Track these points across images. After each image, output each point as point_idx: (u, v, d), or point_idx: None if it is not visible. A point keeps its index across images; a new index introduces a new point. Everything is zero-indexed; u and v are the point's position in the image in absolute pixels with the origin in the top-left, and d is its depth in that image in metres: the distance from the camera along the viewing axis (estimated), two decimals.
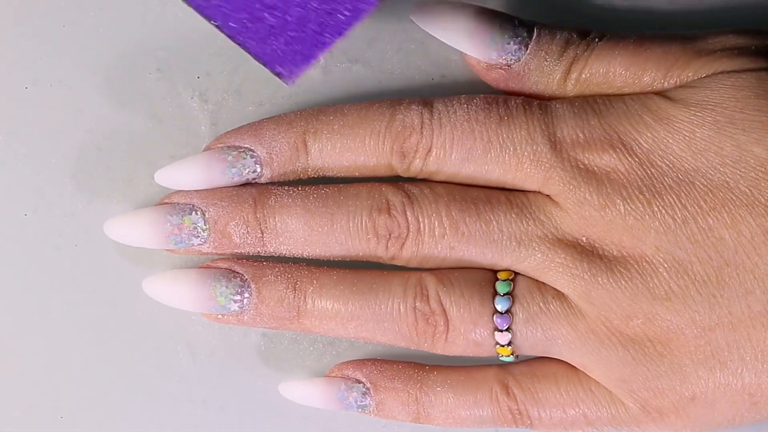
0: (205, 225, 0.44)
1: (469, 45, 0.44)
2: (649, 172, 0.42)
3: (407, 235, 0.43)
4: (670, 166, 0.42)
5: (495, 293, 0.44)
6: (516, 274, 0.44)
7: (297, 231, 0.44)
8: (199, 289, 0.44)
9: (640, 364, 0.43)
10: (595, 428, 0.44)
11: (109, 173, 0.46)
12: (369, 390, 0.45)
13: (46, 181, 0.46)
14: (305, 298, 0.44)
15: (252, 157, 0.44)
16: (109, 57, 0.46)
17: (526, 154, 0.43)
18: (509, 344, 0.44)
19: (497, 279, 0.44)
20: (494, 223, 0.43)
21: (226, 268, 0.44)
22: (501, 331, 0.43)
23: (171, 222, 0.44)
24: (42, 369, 0.46)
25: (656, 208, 0.42)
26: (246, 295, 0.44)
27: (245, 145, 0.44)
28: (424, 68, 0.46)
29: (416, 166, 0.44)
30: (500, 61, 0.44)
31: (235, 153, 0.44)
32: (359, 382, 0.45)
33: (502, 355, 0.44)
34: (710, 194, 0.42)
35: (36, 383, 0.46)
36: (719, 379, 0.42)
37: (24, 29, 0.46)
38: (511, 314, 0.43)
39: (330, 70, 0.46)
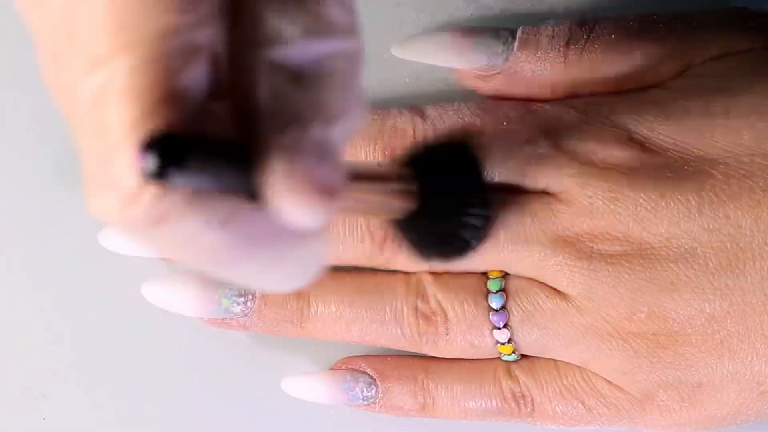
0: None
1: (457, 58, 0.44)
2: (662, 163, 0.42)
3: None
4: (686, 158, 0.42)
5: (488, 292, 0.43)
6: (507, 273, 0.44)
7: None
8: (201, 291, 0.44)
9: (642, 357, 0.42)
10: (596, 418, 0.43)
11: None
12: (375, 380, 0.44)
13: (43, 184, 0.46)
14: (309, 301, 0.44)
15: None
16: None
17: (528, 156, 0.43)
18: (510, 342, 0.43)
19: (488, 278, 0.43)
20: None
21: None
22: (499, 328, 0.43)
23: None
24: (40, 371, 0.45)
25: (669, 198, 0.42)
26: (249, 297, 0.44)
27: None
28: (400, 71, 0.46)
29: None
30: (491, 64, 0.44)
31: None
32: (364, 372, 0.45)
33: (504, 354, 0.44)
34: (728, 183, 0.41)
35: (34, 385, 0.46)
36: (728, 367, 0.42)
37: (22, 30, 0.45)
38: (507, 311, 0.43)
39: None
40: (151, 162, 0.28)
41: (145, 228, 0.29)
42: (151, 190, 0.28)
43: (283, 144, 0.29)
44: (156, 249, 0.30)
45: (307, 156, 0.29)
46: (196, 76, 0.29)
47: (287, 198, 0.28)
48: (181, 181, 0.28)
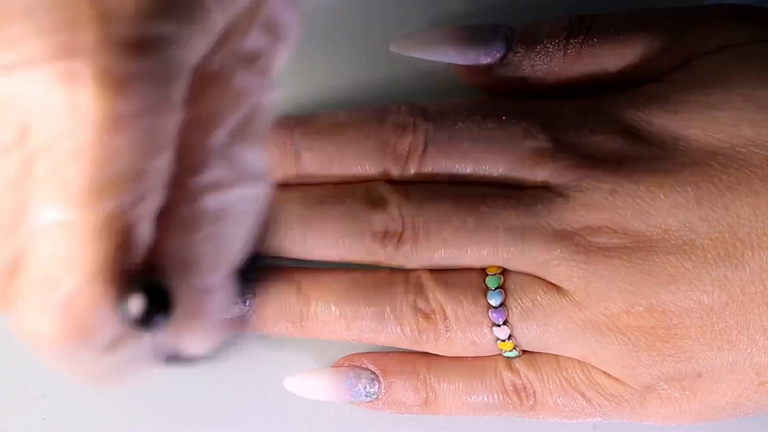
0: None
1: (457, 54, 0.44)
2: (661, 155, 0.42)
3: (402, 232, 0.43)
4: (684, 149, 0.42)
5: (487, 289, 0.43)
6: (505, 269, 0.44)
7: (293, 229, 0.44)
8: None
9: (641, 351, 0.42)
10: (597, 410, 0.43)
11: None
12: (377, 376, 0.44)
13: None
14: (309, 300, 0.44)
15: None
16: None
17: (526, 151, 0.43)
18: (510, 338, 0.43)
19: (487, 275, 0.44)
20: (489, 217, 0.43)
21: None
22: (498, 326, 0.43)
23: None
24: (40, 371, 0.45)
25: (668, 190, 0.42)
26: (248, 297, 0.44)
27: None
28: (400, 71, 0.46)
29: (411, 169, 0.44)
30: (490, 60, 0.44)
31: None
32: (367, 369, 0.45)
33: (505, 351, 0.44)
34: (726, 173, 0.42)
35: (34, 385, 0.45)
36: (727, 358, 0.42)
37: None
38: (506, 308, 0.43)
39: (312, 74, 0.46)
40: (136, 307, 0.29)
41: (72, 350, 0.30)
42: (119, 328, 0.29)
43: (185, 287, 0.30)
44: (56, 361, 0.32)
45: (202, 299, 0.31)
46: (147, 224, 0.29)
47: (187, 333, 0.31)
48: (156, 327, 0.29)
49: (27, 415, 0.45)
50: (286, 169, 0.44)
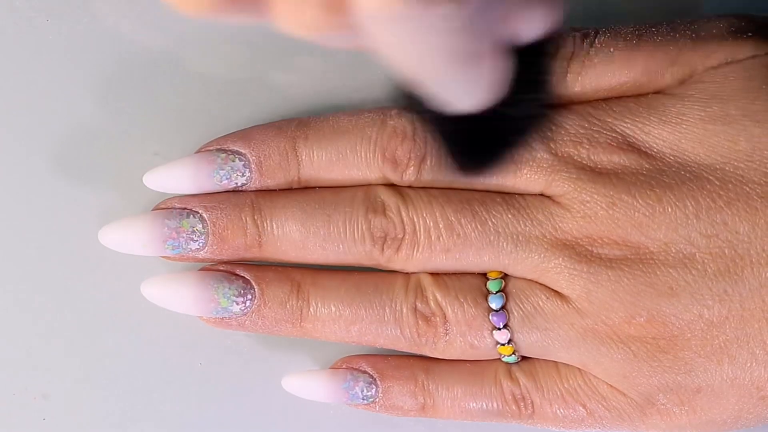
0: (203, 228, 0.43)
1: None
2: (659, 168, 0.42)
3: (403, 237, 0.43)
4: (683, 163, 0.42)
5: (488, 292, 0.43)
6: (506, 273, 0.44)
7: (294, 233, 0.44)
8: (200, 290, 0.44)
9: (642, 361, 0.42)
10: (597, 422, 0.44)
11: (106, 178, 0.46)
12: (375, 379, 0.45)
13: (42, 182, 0.46)
14: (308, 301, 0.44)
15: (240, 160, 0.44)
16: (104, 60, 0.46)
17: (524, 160, 0.42)
18: (510, 343, 0.43)
19: (488, 279, 0.44)
20: (490, 223, 0.43)
21: (227, 271, 0.44)
22: (499, 329, 0.43)
23: (168, 226, 0.43)
24: (40, 371, 0.45)
25: (667, 204, 0.42)
26: (248, 296, 0.44)
27: (234, 148, 0.44)
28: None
29: (410, 175, 0.43)
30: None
31: (223, 155, 0.44)
32: (365, 372, 0.45)
33: (504, 355, 0.44)
34: (725, 189, 0.41)
35: (34, 385, 0.46)
36: (727, 372, 0.42)
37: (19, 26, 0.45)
38: (507, 311, 0.43)
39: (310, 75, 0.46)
40: None
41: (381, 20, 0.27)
42: None
43: None
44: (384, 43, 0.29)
45: None
46: None
47: None
48: None
49: (27, 415, 0.46)
50: (286, 173, 0.44)
